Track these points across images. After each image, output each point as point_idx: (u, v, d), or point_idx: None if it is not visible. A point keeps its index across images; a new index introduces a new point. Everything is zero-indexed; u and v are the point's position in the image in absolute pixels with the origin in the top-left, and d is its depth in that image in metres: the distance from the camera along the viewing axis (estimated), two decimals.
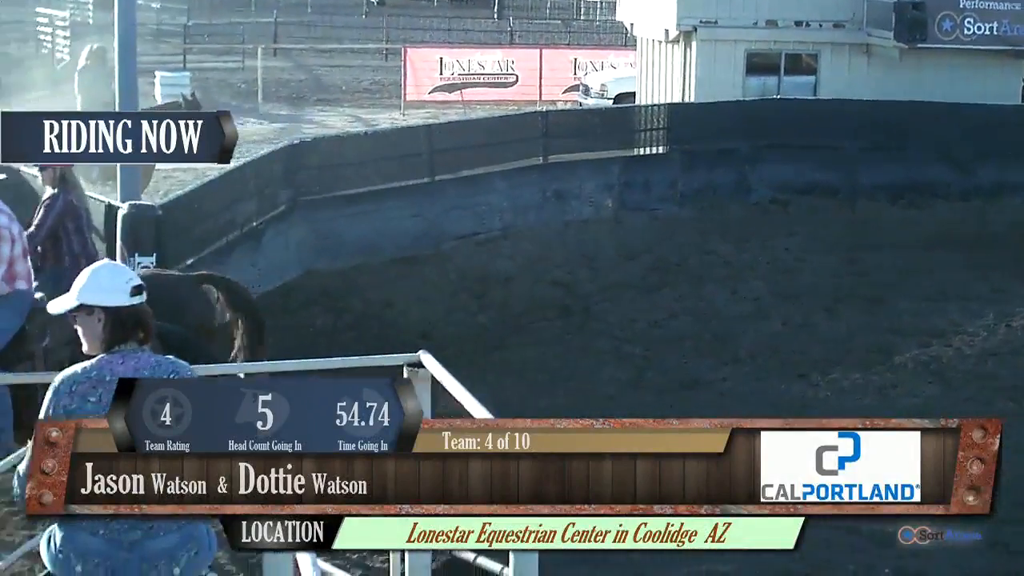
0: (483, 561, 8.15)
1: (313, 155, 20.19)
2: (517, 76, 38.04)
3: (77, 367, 6.28)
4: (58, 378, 6.26)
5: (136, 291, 6.34)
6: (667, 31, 28.24)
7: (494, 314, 18.30)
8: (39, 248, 12.35)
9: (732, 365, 17.12)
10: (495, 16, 52.91)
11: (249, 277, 18.03)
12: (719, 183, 24.00)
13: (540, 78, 37.56)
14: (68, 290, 11.94)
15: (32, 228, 12.31)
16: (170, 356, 6.44)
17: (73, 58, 43.24)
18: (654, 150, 24.67)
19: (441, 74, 37.64)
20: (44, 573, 6.75)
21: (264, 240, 18.64)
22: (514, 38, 47.13)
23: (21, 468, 6.32)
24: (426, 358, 7.35)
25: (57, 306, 6.55)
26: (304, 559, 5.47)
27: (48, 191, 12.58)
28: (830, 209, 23.42)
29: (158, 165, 21.89)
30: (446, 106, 36.34)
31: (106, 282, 6.37)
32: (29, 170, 12.76)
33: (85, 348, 6.40)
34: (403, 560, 7.93)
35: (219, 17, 53.85)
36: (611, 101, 32.32)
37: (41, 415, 6.21)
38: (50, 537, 6.39)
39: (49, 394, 6.22)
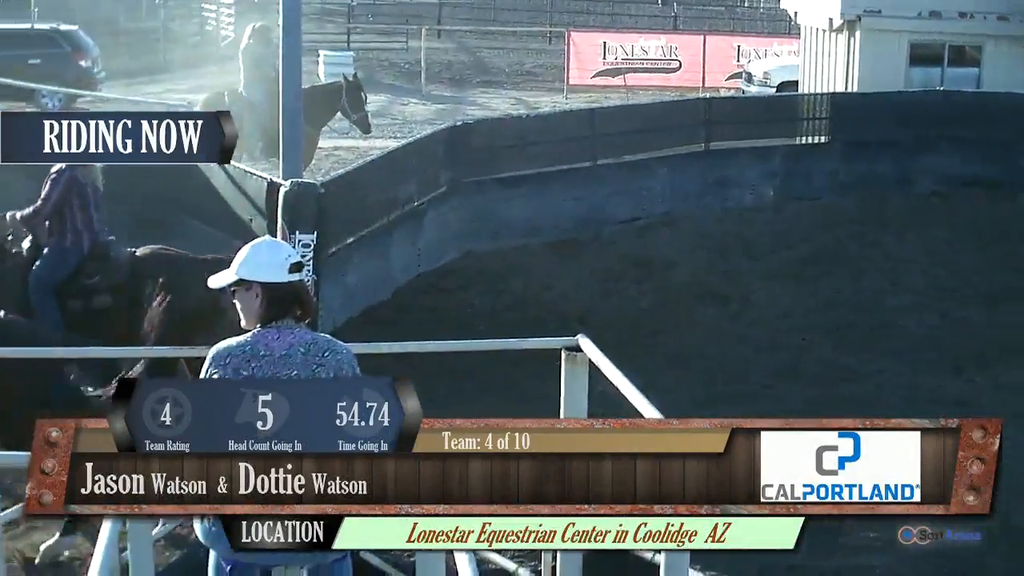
0: None
1: (475, 137, 20.24)
2: (680, 62, 37.94)
3: (232, 340, 6.38)
4: (214, 349, 6.37)
5: (295, 268, 6.42)
6: (831, 20, 27.97)
7: (652, 300, 18.23)
8: (46, 223, 12.49)
9: (888, 357, 16.90)
10: (659, 2, 52.67)
11: (409, 257, 18.19)
12: (880, 174, 23.70)
13: (703, 65, 37.41)
14: (70, 265, 12.29)
15: (38, 202, 12.48)
16: (327, 335, 6.49)
17: (237, 36, 43.82)
18: (816, 139, 24.44)
19: (604, 59, 37.64)
20: (198, 544, 6.87)
21: (425, 220, 18.72)
22: (678, 24, 46.96)
23: None
24: (584, 342, 7.34)
25: (217, 280, 6.61)
26: (462, 559, 5.47)
27: (56, 165, 12.68)
28: (992, 202, 23.02)
29: (321, 142, 22.18)
30: (608, 91, 36.32)
31: (265, 258, 6.44)
32: None
33: (243, 322, 6.49)
34: (555, 558, 7.95)
35: None
36: (774, 89, 32.15)
37: None
38: None
39: (205, 364, 6.34)
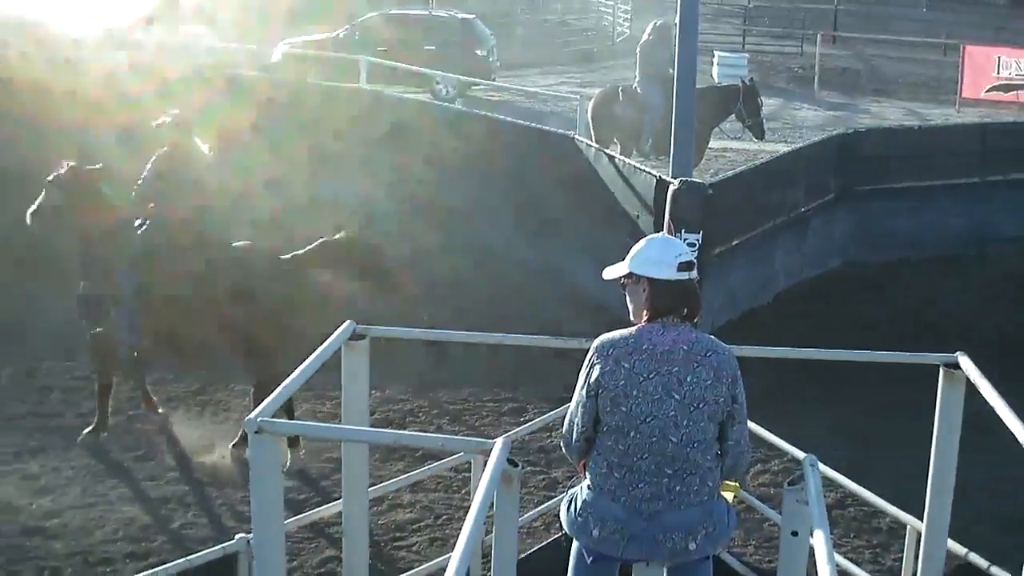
0: (995, 571, 8.10)
1: (864, 145, 20.04)
2: None
3: (617, 332, 6.48)
4: (598, 340, 6.48)
5: (685, 266, 6.46)
6: None
7: None
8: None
9: None
10: None
11: (792, 262, 18.18)
12: None
13: None
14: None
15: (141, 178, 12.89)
16: (710, 335, 6.52)
17: (633, 32, 44.31)
18: None
19: (997, 73, 36.67)
20: (560, 534, 7.10)
21: (810, 226, 18.67)
22: None
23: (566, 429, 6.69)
24: (964, 360, 7.23)
25: (610, 273, 6.72)
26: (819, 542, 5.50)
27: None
28: None
29: (711, 143, 22.32)
30: (1000, 106, 35.40)
31: (656, 255, 6.51)
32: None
33: (631, 315, 6.63)
34: (916, 559, 7.93)
35: (781, 0, 53.92)
36: None
37: (582, 372, 6.53)
38: (571, 500, 6.63)
39: (589, 353, 6.48)
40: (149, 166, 12.78)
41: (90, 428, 13.06)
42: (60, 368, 14.72)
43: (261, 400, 6.72)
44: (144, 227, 12.61)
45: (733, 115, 21.39)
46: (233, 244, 12.86)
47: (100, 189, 12.76)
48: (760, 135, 21.74)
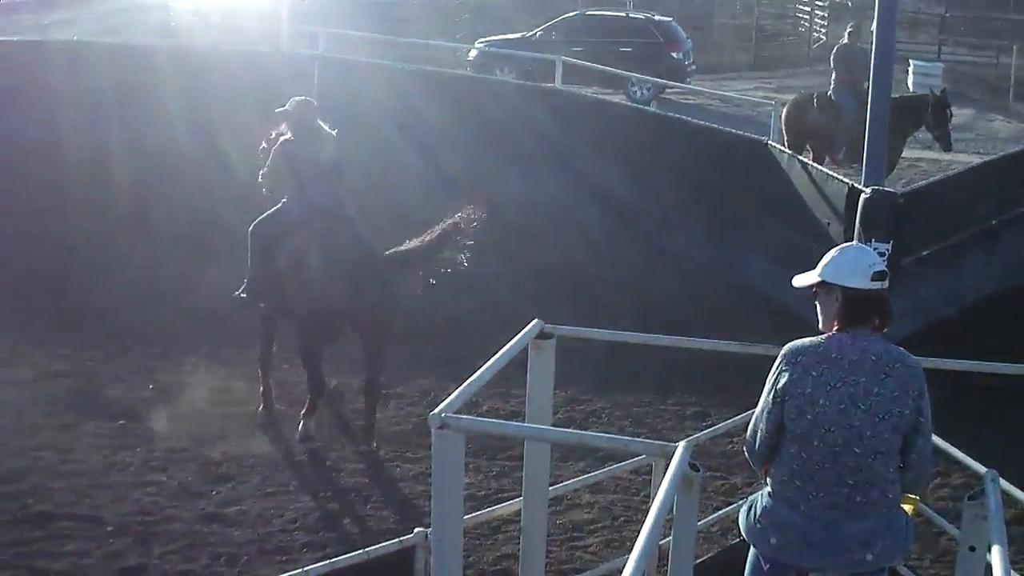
0: None
1: None
2: None
3: (807, 340, 6.49)
4: (788, 347, 6.50)
5: (878, 276, 6.43)
6: None
7: None
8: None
9: None
10: None
11: (981, 274, 17.86)
12: None
13: None
14: (276, 225, 12.85)
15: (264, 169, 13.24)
16: (900, 347, 6.47)
17: (829, 39, 43.96)
18: None
19: None
20: (737, 540, 7.08)
21: (1001, 240, 18.34)
22: None
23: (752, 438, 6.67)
24: None
25: (800, 280, 6.73)
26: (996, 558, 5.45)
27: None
28: None
29: (904, 152, 22.03)
30: None
31: (850, 264, 6.49)
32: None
33: (820, 324, 6.61)
34: None
35: (977, 10, 53.07)
36: None
37: (769, 378, 6.55)
38: (751, 507, 6.67)
39: (777, 360, 6.51)
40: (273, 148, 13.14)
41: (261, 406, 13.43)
42: (243, 356, 14.85)
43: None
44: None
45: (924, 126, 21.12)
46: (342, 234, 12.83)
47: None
48: (947, 147, 21.43)
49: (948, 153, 22.65)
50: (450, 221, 12.43)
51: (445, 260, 12.50)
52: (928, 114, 20.65)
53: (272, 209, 13.09)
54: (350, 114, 18.71)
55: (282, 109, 13.05)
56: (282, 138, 13.03)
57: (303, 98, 13.22)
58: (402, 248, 12.69)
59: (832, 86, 21.65)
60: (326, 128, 13.08)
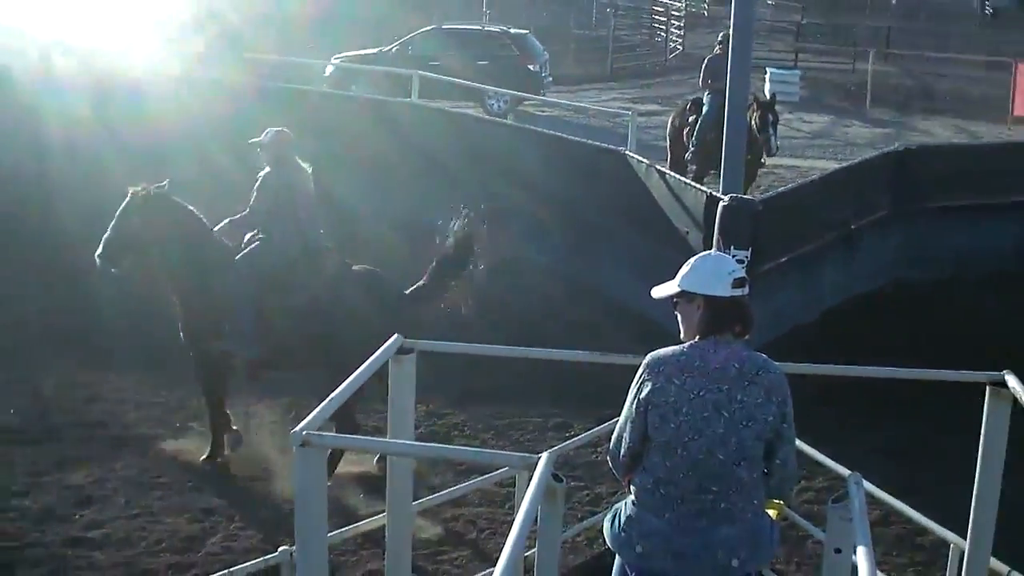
0: None
1: (915, 164, 19.84)
2: None
3: (670, 349, 6.42)
4: (650, 356, 6.43)
5: (738, 283, 6.42)
6: None
7: None
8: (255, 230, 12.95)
9: None
10: None
11: (841, 280, 18.09)
12: None
13: None
14: (274, 263, 12.57)
15: (247, 211, 12.92)
16: (762, 354, 6.46)
17: (684, 49, 44.36)
18: None
19: None
20: (603, 549, 7.08)
21: (860, 244, 18.56)
22: None
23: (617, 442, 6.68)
24: (1011, 379, 7.18)
25: (660, 291, 6.68)
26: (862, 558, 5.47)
27: (261, 172, 12.96)
28: None
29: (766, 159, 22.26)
30: None
31: (709, 272, 6.47)
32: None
33: (681, 334, 6.56)
34: None
35: (833, 17, 53.84)
36: None
37: (632, 388, 6.50)
38: (615, 515, 6.62)
39: (640, 370, 6.44)
40: (258, 183, 12.86)
41: (206, 455, 13.04)
42: (105, 379, 14.71)
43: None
44: (257, 242, 12.77)
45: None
46: (353, 267, 12.97)
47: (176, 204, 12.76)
48: (769, 150, 21.27)
49: (807, 158, 22.86)
50: (448, 244, 12.76)
51: (457, 286, 12.85)
52: (754, 117, 20.61)
53: (257, 243, 12.82)
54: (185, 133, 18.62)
55: (256, 140, 12.85)
56: (266, 170, 12.85)
57: (279, 129, 12.96)
58: (417, 285, 12.88)
59: (706, 93, 21.74)
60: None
